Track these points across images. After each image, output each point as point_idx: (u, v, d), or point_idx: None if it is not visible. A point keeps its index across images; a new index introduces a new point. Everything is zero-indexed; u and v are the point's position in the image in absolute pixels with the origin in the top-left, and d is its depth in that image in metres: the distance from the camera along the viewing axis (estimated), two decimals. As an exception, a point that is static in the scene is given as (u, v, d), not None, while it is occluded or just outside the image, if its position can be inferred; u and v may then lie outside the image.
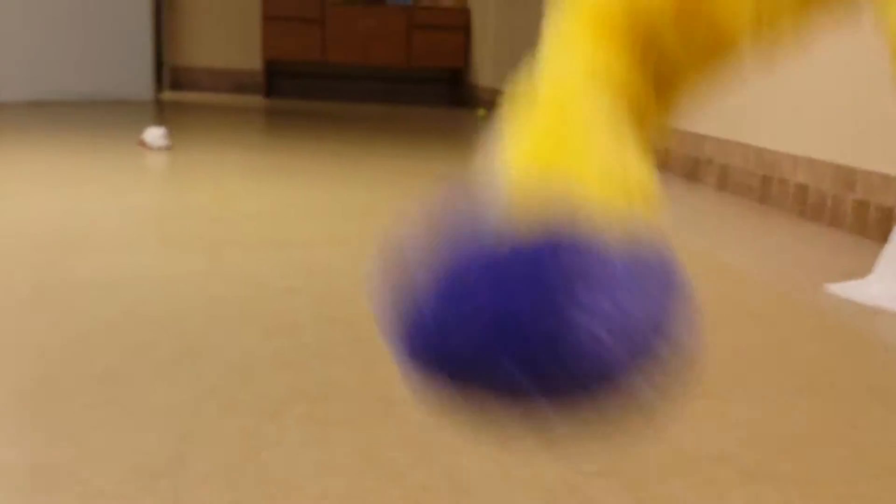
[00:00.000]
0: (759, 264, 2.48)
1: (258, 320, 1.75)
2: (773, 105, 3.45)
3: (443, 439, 1.25)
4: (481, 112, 6.82)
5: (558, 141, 0.44)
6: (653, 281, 0.41)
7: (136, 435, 1.23)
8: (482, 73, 7.31)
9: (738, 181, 3.62)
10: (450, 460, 1.19)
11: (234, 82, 7.48)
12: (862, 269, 2.23)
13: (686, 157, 4.02)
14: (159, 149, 3.88)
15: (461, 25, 7.44)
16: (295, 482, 1.12)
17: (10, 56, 5.71)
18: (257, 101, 7.12)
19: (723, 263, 2.48)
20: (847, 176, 2.97)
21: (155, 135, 3.89)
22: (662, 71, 0.42)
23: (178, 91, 7.30)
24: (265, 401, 1.36)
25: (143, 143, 3.90)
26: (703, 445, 1.29)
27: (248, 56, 7.37)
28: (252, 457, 1.18)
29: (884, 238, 2.36)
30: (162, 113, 5.87)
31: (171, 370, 1.47)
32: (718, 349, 1.72)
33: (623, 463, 1.20)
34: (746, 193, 3.55)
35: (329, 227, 2.70)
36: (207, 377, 1.45)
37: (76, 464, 1.14)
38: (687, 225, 3.11)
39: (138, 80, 6.30)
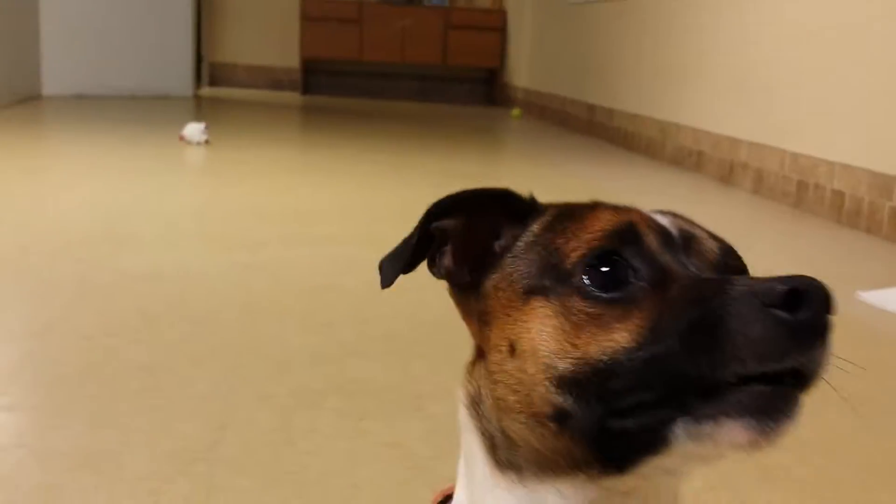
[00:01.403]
0: (791, 270, 2.48)
1: (296, 316, 1.79)
2: (810, 111, 3.43)
3: (471, 435, 1.28)
4: (515, 112, 6.83)
5: None
6: None
7: (175, 422, 1.28)
8: (517, 74, 7.33)
9: (774, 186, 3.60)
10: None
11: (272, 79, 7.57)
12: None
13: (721, 160, 4.01)
14: (198, 144, 3.95)
15: (497, 26, 7.46)
16: (327, 471, 1.16)
17: (55, 51, 5.83)
18: (294, 97, 7.20)
19: (757, 269, 2.48)
20: (884, 183, 2.95)
21: (194, 130, 3.96)
22: None
23: (216, 87, 7.40)
24: (300, 394, 1.40)
25: (182, 138, 3.97)
26: (728, 448, 1.30)
27: (285, 54, 7.44)
28: (286, 446, 1.22)
29: (919, 246, 2.35)
30: (201, 108, 5.96)
31: (210, 362, 1.52)
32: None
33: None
34: (781, 199, 3.53)
35: (365, 225, 2.74)
36: (245, 369, 1.49)
37: (118, 448, 1.19)
38: (721, 228, 3.11)
39: (178, 76, 6.40)
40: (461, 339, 1.85)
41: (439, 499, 0.59)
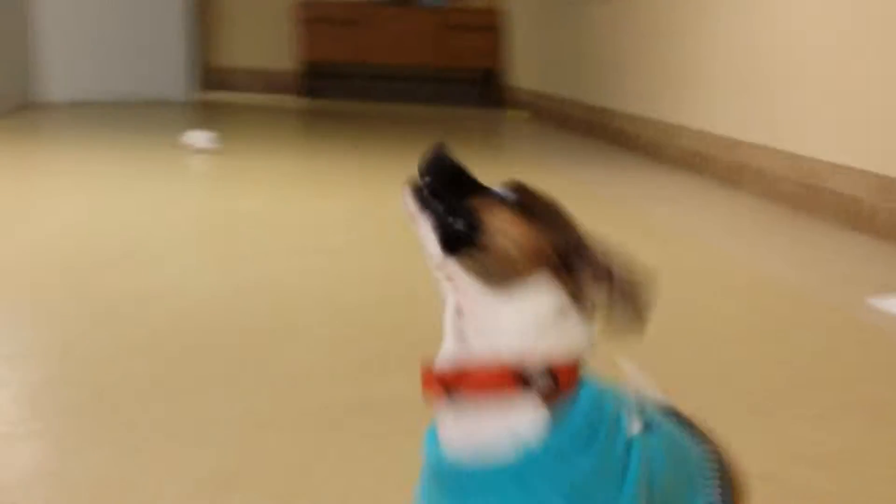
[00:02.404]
0: (800, 276, 2.48)
1: (311, 333, 1.79)
2: (816, 113, 3.43)
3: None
4: (510, 113, 6.83)
5: None
6: None
7: (196, 449, 1.27)
8: (516, 74, 7.32)
9: (779, 189, 3.60)
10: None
11: (269, 82, 7.55)
12: (904, 282, 2.23)
13: (726, 162, 4.01)
14: (204, 152, 3.94)
15: (493, 26, 7.45)
16: (350, 491, 1.16)
17: (50, 56, 5.81)
18: (293, 101, 7.18)
19: (764, 275, 2.48)
20: (888, 185, 2.95)
21: (200, 138, 3.96)
22: None
23: (212, 91, 7.38)
24: (325, 413, 1.39)
25: (188, 146, 3.96)
26: (749, 464, 1.30)
27: (282, 56, 7.43)
28: (310, 470, 1.21)
29: (926, 249, 2.35)
30: (202, 114, 5.94)
31: (227, 382, 1.51)
32: (763, 363, 1.73)
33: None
34: (786, 201, 3.53)
35: (376, 234, 2.73)
36: (264, 390, 1.48)
37: (141, 478, 1.18)
38: (726, 233, 3.12)
39: (174, 80, 6.38)
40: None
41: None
